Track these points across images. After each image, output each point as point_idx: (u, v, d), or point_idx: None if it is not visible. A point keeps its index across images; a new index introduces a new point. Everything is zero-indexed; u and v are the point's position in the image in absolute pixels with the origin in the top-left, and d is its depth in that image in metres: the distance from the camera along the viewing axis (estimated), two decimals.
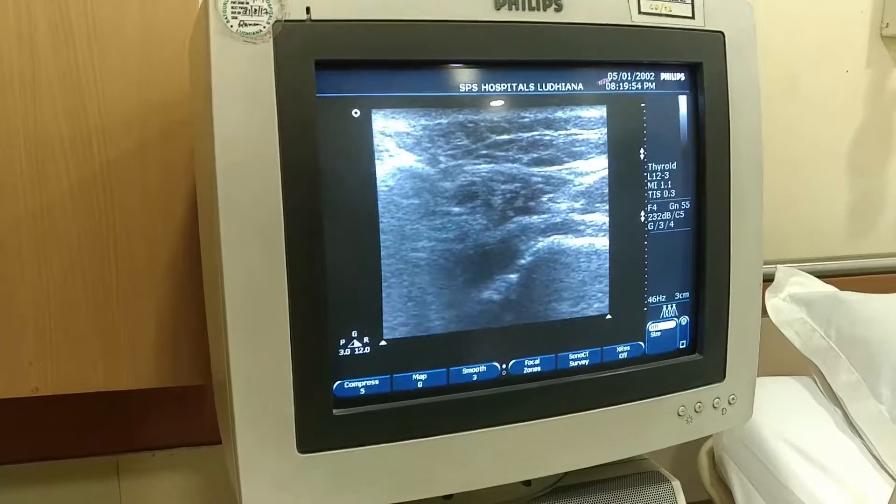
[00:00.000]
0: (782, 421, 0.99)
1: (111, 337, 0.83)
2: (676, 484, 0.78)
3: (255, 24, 0.55)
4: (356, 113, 0.60)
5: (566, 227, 0.66)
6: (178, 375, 0.87)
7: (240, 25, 0.55)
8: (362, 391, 0.63)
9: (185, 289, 0.85)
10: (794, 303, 1.10)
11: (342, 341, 0.62)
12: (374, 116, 0.60)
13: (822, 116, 1.22)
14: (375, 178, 0.61)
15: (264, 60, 0.56)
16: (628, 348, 0.70)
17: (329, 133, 0.59)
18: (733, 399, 0.74)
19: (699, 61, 0.68)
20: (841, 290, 1.12)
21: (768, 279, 1.10)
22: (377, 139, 0.60)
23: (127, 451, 1.04)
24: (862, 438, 0.97)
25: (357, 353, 0.62)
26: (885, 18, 1.21)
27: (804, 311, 1.08)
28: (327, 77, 0.58)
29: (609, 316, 0.69)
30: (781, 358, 1.05)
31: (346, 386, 0.62)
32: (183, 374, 0.88)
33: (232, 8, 0.55)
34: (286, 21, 0.56)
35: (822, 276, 1.19)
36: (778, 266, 1.17)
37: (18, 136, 0.77)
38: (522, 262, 0.65)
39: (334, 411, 0.61)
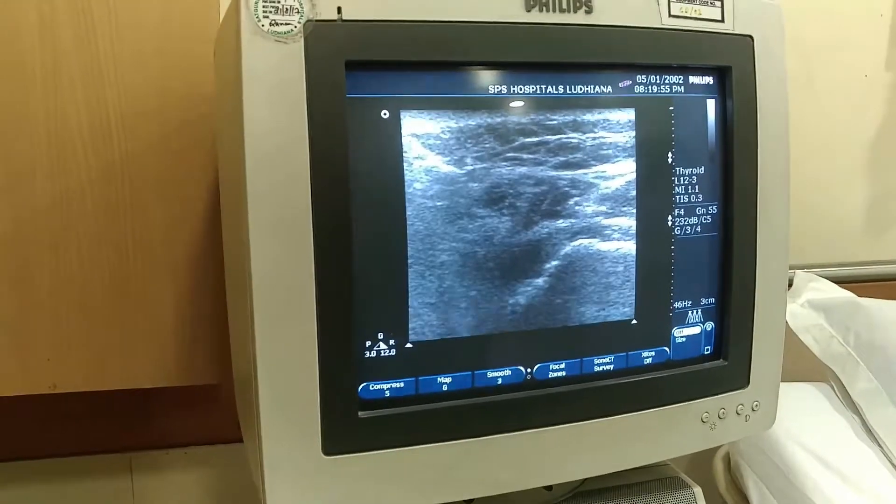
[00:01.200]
0: (800, 427, 0.98)
1: (129, 334, 0.83)
2: (698, 490, 0.78)
3: (286, 24, 0.55)
4: (385, 114, 0.59)
5: (593, 231, 0.66)
6: (197, 374, 0.87)
7: (271, 25, 0.55)
8: (387, 393, 0.62)
9: (205, 285, 0.85)
10: (812, 309, 1.09)
11: (368, 343, 0.61)
12: (403, 117, 0.60)
13: (840, 120, 1.21)
14: (403, 180, 0.60)
15: (295, 60, 0.56)
16: (653, 354, 0.69)
17: (358, 133, 0.58)
18: (757, 405, 0.74)
19: (728, 65, 0.67)
20: (859, 295, 1.12)
21: None
22: (406, 140, 0.60)
23: (140, 449, 1.04)
24: (880, 446, 0.96)
25: (383, 355, 0.62)
26: None
27: (822, 317, 1.07)
28: (357, 77, 0.58)
29: (635, 321, 0.68)
30: (799, 364, 1.04)
31: (371, 388, 0.62)
32: (202, 372, 0.88)
33: (263, 7, 0.54)
34: (317, 21, 0.56)
35: (840, 281, 1.18)
36: (796, 271, 1.17)
37: (39, 127, 0.77)
38: (548, 265, 0.65)
39: (360, 413, 0.61)
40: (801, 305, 1.10)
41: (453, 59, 0.61)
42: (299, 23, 0.55)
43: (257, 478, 0.62)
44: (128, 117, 0.79)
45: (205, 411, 1.04)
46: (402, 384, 0.63)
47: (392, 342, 0.62)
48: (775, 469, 0.95)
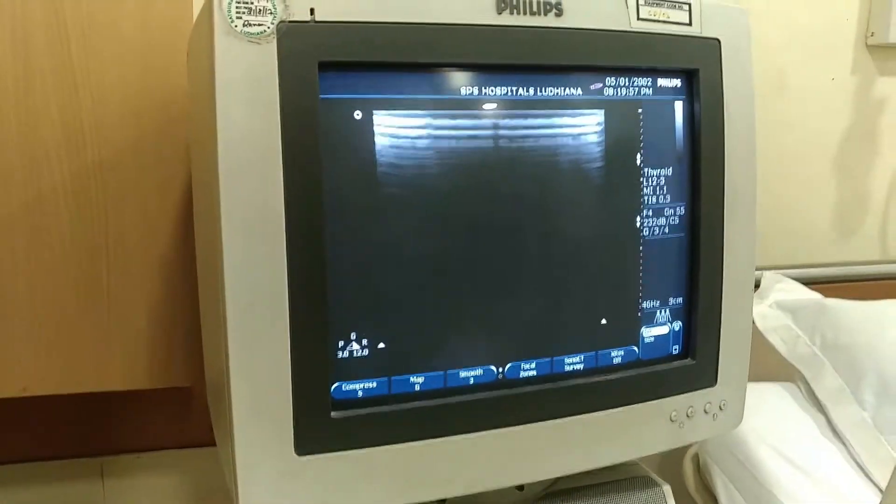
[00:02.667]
0: (767, 427, 1.00)
1: (103, 336, 0.83)
2: (667, 488, 0.79)
3: (259, 25, 0.55)
4: (358, 114, 0.60)
5: (563, 232, 0.67)
6: (170, 376, 0.87)
7: (244, 25, 0.55)
8: (360, 394, 0.63)
9: (180, 288, 0.85)
10: (779, 309, 1.11)
11: (341, 343, 0.62)
12: (375, 118, 0.60)
13: (808, 123, 1.24)
14: (376, 180, 0.61)
15: (268, 60, 0.56)
16: (622, 353, 0.70)
17: (331, 134, 0.59)
18: (724, 404, 0.75)
19: (696, 68, 0.69)
20: (826, 296, 1.14)
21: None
22: (378, 141, 0.60)
23: (112, 453, 1.03)
24: (845, 444, 0.98)
25: (356, 355, 0.62)
26: (870, 27, 1.23)
27: (789, 318, 1.09)
28: (330, 78, 0.58)
29: (604, 321, 0.69)
30: (766, 364, 1.06)
31: (344, 388, 0.62)
32: (176, 374, 0.87)
33: (237, 8, 0.55)
34: (290, 21, 0.56)
35: (807, 282, 1.21)
36: (764, 273, 1.19)
37: (11, 131, 0.76)
38: (520, 266, 0.66)
39: (332, 413, 0.61)
40: (769, 306, 1.12)
41: (425, 60, 0.61)
42: (272, 23, 0.56)
43: (230, 479, 0.62)
44: (101, 121, 0.79)
45: (177, 415, 1.04)
46: (374, 384, 0.63)
47: (365, 342, 0.62)
48: (743, 468, 0.97)
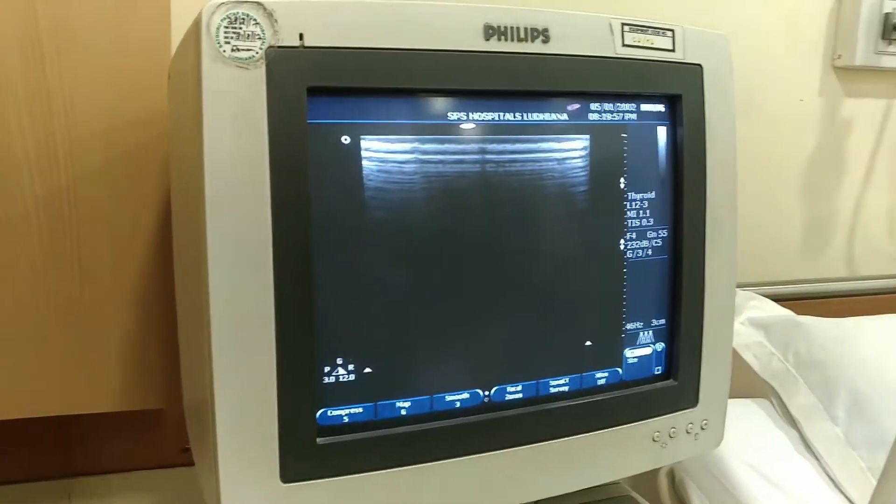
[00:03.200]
0: (742, 442, 1.00)
1: (74, 359, 0.81)
2: None
3: (248, 50, 0.55)
4: (346, 139, 0.59)
5: (549, 256, 0.67)
6: (144, 398, 0.86)
7: (233, 51, 0.54)
8: (346, 419, 0.62)
9: (154, 309, 0.83)
10: (752, 326, 1.12)
11: (327, 369, 0.61)
12: (363, 143, 0.60)
13: (776, 143, 1.26)
14: (364, 205, 0.60)
15: (257, 86, 0.56)
16: (606, 374, 0.71)
17: (319, 160, 0.58)
18: (706, 424, 0.75)
19: (679, 93, 0.69)
20: (796, 312, 1.16)
21: None
22: (366, 165, 0.60)
23: (80, 475, 1.01)
24: (818, 459, 0.99)
25: (342, 380, 0.62)
26: (836, 50, 1.25)
27: (762, 335, 1.10)
28: (318, 103, 0.58)
29: (589, 343, 0.69)
30: (739, 381, 1.07)
31: (329, 414, 0.62)
32: (149, 396, 0.86)
33: (225, 33, 0.54)
34: (279, 47, 0.56)
35: (778, 299, 1.22)
36: (737, 290, 1.20)
37: None
38: (506, 289, 0.66)
39: (318, 440, 0.60)
40: (742, 323, 1.13)
41: (413, 86, 0.61)
42: (261, 49, 0.55)
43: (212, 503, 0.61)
44: (75, 141, 0.77)
45: (147, 436, 1.02)
46: (360, 409, 0.63)
47: (351, 367, 0.62)
48: (718, 484, 0.98)
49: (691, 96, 0.70)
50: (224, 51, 0.54)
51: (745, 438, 1.02)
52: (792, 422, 1.05)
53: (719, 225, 0.72)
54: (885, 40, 1.23)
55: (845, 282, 1.31)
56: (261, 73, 0.56)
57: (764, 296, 1.22)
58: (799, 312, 1.15)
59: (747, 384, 1.10)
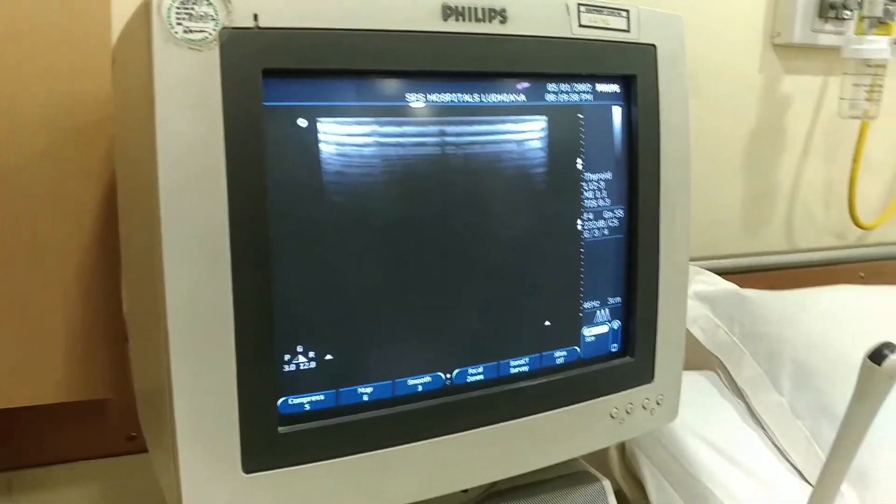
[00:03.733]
0: (690, 414, 1.02)
1: (17, 350, 0.79)
2: (606, 483, 0.80)
3: (200, 31, 0.53)
4: (303, 122, 0.58)
5: (508, 237, 0.67)
6: (90, 388, 0.84)
7: (185, 32, 0.53)
8: (307, 407, 0.61)
9: (100, 298, 0.81)
10: (698, 300, 1.14)
11: (287, 356, 0.60)
12: (320, 126, 0.59)
13: (718, 120, 1.28)
14: (322, 189, 0.59)
15: (210, 68, 0.54)
16: (565, 353, 0.71)
17: (275, 143, 0.57)
18: (661, 399, 0.77)
19: (633, 73, 0.70)
20: (738, 285, 1.18)
21: None
22: (323, 149, 0.59)
23: (20, 467, 0.98)
24: (765, 429, 1.02)
25: (302, 368, 0.61)
26: (775, 28, 1.27)
27: (708, 309, 1.12)
28: (274, 85, 0.56)
29: (548, 322, 0.70)
30: (686, 354, 1.09)
31: (290, 402, 0.61)
32: (95, 386, 0.84)
33: (177, 13, 0.52)
34: (233, 28, 0.54)
35: (720, 272, 1.25)
36: None
37: None
38: (467, 271, 0.66)
39: (280, 429, 0.60)
40: (689, 297, 1.15)
41: (371, 67, 0.60)
42: (214, 30, 0.53)
43: (172, 498, 0.59)
44: (14, 126, 0.74)
45: (90, 425, 0.99)
46: (322, 397, 0.62)
47: (312, 354, 0.61)
48: (668, 455, 0.99)
49: (646, 76, 0.70)
50: (176, 32, 0.52)
51: (693, 410, 1.04)
52: (738, 393, 1.07)
53: (673, 203, 0.73)
54: (821, 19, 1.26)
55: (785, 254, 1.34)
56: (214, 55, 0.54)
57: (707, 269, 1.24)
58: (741, 285, 1.18)
59: (694, 357, 1.12)
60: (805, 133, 1.34)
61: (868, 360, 0.58)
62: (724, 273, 1.26)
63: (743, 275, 1.28)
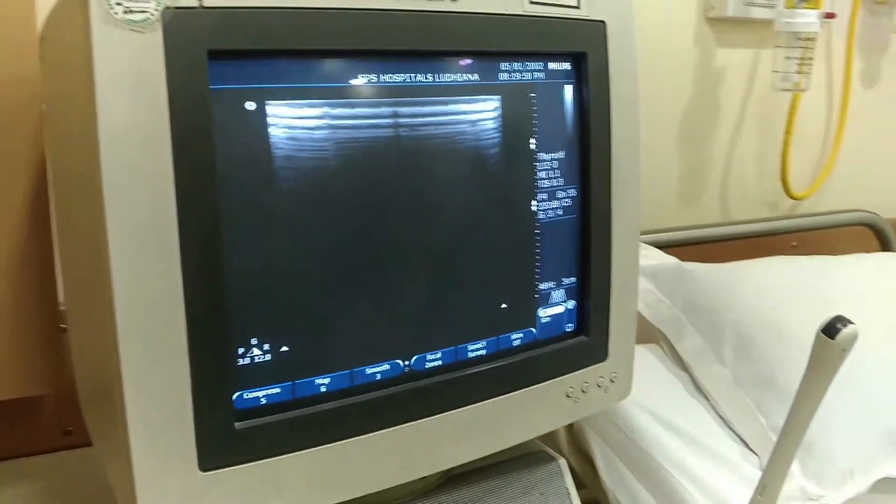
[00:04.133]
0: (636, 388, 1.04)
1: None
2: (563, 462, 0.81)
3: (141, 11, 0.50)
4: (251, 106, 0.56)
5: (464, 220, 0.66)
6: (26, 385, 0.80)
7: (125, 12, 0.50)
8: (264, 401, 0.60)
9: (33, 289, 0.77)
10: (641, 275, 1.15)
11: (241, 350, 0.58)
12: (269, 109, 0.56)
13: (654, 94, 1.28)
14: (272, 175, 0.57)
15: (153, 50, 0.51)
16: (522, 335, 0.71)
17: (223, 128, 0.55)
18: (615, 376, 0.77)
19: (584, 51, 0.69)
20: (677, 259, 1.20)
21: None
22: (273, 133, 0.57)
23: None
24: (709, 401, 1.04)
25: (257, 361, 0.59)
26: (709, 1, 1.28)
27: (651, 283, 1.14)
28: (220, 68, 0.54)
29: (505, 305, 0.69)
30: None
31: (246, 397, 0.59)
32: (29, 383, 0.80)
33: None
34: (176, 8, 0.51)
35: (658, 246, 1.26)
36: None
37: None
38: (421, 256, 0.64)
39: (236, 425, 0.58)
40: None
41: (320, 47, 0.58)
42: (156, 10, 0.51)
43: (125, 497, 0.57)
44: None
45: (24, 421, 0.95)
46: (278, 390, 0.60)
47: (266, 347, 0.59)
48: (615, 428, 1.01)
49: (596, 54, 0.70)
50: (115, 13, 0.49)
51: (638, 383, 1.05)
52: (682, 365, 1.09)
53: (624, 182, 0.73)
54: None
55: (721, 227, 1.36)
56: (157, 36, 0.51)
57: (646, 243, 1.25)
58: (679, 258, 1.19)
59: (637, 331, 1.13)
60: (739, 106, 1.36)
61: (821, 334, 0.60)
62: (661, 247, 1.27)
63: (680, 248, 1.29)
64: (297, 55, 0.58)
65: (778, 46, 1.25)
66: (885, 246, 1.41)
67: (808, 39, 1.24)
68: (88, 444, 0.91)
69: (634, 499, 0.97)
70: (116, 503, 0.63)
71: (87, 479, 0.87)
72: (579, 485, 0.88)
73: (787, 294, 1.07)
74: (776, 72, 1.26)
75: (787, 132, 1.34)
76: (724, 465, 0.94)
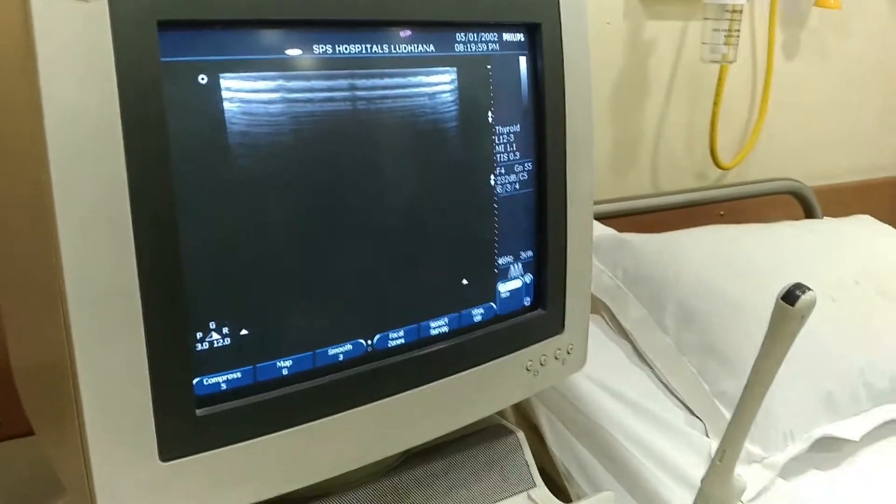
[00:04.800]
0: None
1: None
2: (521, 435, 0.81)
3: None
4: (203, 79, 0.53)
5: (423, 196, 0.65)
6: None
7: None
8: (224, 386, 0.57)
9: None
10: None
11: (199, 334, 0.56)
12: (223, 82, 0.54)
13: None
14: (227, 151, 0.55)
15: (99, 21, 0.48)
16: (482, 311, 0.70)
17: (175, 102, 0.52)
18: (571, 348, 0.78)
19: (538, 22, 0.68)
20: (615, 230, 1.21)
21: None
22: (228, 107, 0.54)
23: None
24: (652, 369, 1.06)
25: (217, 345, 0.57)
26: None
27: (592, 254, 1.14)
28: (172, 39, 0.51)
29: (466, 281, 0.68)
30: None
31: (206, 383, 0.57)
32: None
33: None
34: None
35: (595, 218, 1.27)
36: None
37: None
38: (381, 232, 0.63)
39: (197, 412, 0.55)
40: None
41: (274, 17, 0.56)
42: None
43: (82, 490, 0.54)
44: None
45: None
46: (239, 374, 0.58)
47: (226, 331, 0.57)
48: (560, 397, 1.02)
49: (549, 25, 0.69)
50: None
51: None
52: (625, 334, 1.10)
53: (578, 154, 0.73)
54: None
55: (652, 198, 1.38)
56: (103, 5, 0.48)
57: None
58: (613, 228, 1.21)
59: None
60: (668, 78, 1.38)
61: (781, 301, 0.61)
62: (596, 218, 1.28)
63: (613, 220, 1.31)
64: (250, 26, 0.55)
65: (706, 18, 1.27)
66: (808, 213, 1.46)
67: (735, 12, 1.26)
68: (18, 435, 0.87)
69: (582, 467, 0.98)
70: (49, 498, 0.60)
71: (22, 470, 0.83)
72: None
73: (722, 262, 1.10)
74: (704, 44, 1.29)
75: (716, 103, 1.37)
76: (669, 431, 0.96)
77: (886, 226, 1.30)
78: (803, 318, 0.61)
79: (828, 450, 0.94)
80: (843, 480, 0.91)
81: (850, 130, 1.63)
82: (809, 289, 0.60)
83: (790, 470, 0.91)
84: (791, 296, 0.60)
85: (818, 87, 1.55)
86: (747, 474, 0.78)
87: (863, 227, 1.30)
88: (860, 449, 0.96)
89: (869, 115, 1.66)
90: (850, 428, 0.95)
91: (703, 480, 0.69)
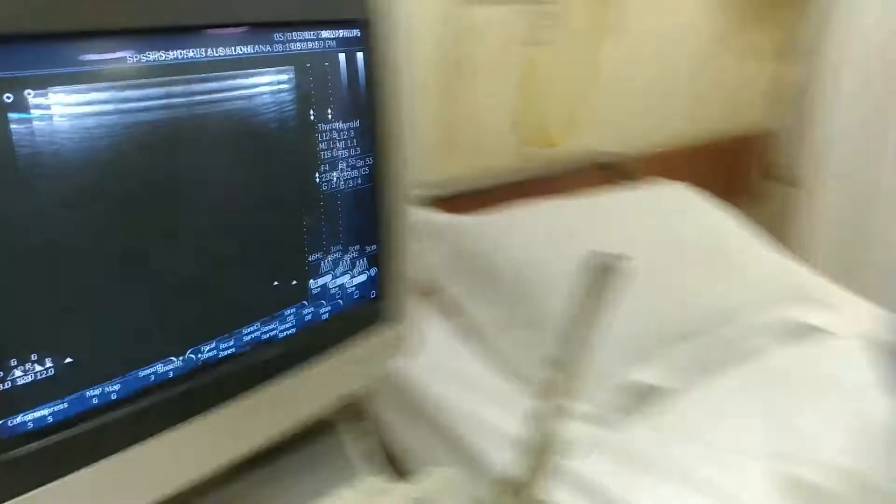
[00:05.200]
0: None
1: None
2: (349, 426, 0.81)
3: None
4: (8, 98, 0.47)
5: (248, 202, 0.62)
6: None
7: None
8: (31, 425, 0.52)
9: None
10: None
11: (0, 374, 0.51)
12: (30, 100, 0.48)
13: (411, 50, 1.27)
14: (32, 172, 0.49)
15: None
16: (298, 311, 0.68)
17: None
18: (403, 335, 0.79)
19: (355, 17, 0.66)
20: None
21: None
22: (36, 125, 0.49)
23: None
24: (482, 343, 1.09)
25: (18, 383, 0.51)
26: None
27: (420, 236, 1.15)
28: None
29: (295, 282, 0.66)
30: None
31: (10, 424, 0.52)
32: None
33: None
34: None
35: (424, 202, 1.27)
36: None
37: None
38: (194, 245, 0.59)
39: (2, 456, 0.51)
40: None
41: (82, 27, 0.50)
42: None
43: None
44: None
45: None
46: (46, 411, 0.53)
47: (28, 366, 0.52)
48: (393, 384, 1.02)
49: (368, 20, 0.67)
50: None
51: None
52: (458, 313, 1.12)
53: (399, 147, 0.72)
54: None
55: (475, 179, 1.39)
56: None
57: None
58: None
59: None
60: (492, 61, 1.38)
61: (589, 267, 0.65)
62: (425, 202, 1.28)
63: (442, 202, 1.30)
64: (58, 38, 0.49)
65: (528, 3, 1.28)
66: (622, 182, 1.52)
67: None
68: None
69: (421, 449, 0.99)
70: None
71: None
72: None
73: (547, 236, 1.14)
74: (527, 27, 1.30)
75: (530, 86, 1.38)
76: (501, 402, 0.98)
77: (695, 194, 1.38)
78: (608, 280, 0.64)
79: (651, 403, 0.99)
80: (670, 426, 0.96)
81: (661, 103, 1.71)
82: (624, 256, 0.64)
83: (619, 425, 0.94)
84: (604, 264, 0.64)
85: (634, 64, 1.61)
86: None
87: (676, 194, 1.37)
88: (681, 398, 1.01)
89: (680, 89, 1.75)
90: (653, 372, 1.01)
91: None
